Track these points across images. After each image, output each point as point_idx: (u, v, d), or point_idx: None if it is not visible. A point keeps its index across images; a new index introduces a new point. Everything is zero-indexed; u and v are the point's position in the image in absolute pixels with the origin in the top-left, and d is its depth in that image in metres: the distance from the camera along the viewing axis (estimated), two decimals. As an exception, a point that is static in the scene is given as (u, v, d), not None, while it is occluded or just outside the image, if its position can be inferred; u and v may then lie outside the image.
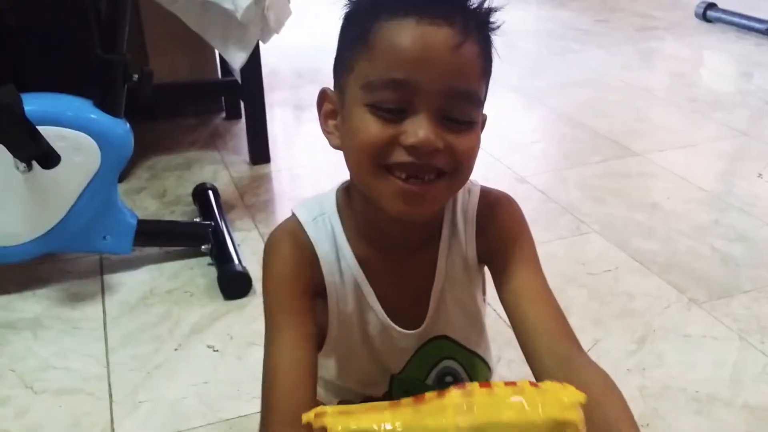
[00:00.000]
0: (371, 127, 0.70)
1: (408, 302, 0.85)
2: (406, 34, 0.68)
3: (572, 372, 0.72)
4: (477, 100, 0.72)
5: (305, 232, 0.81)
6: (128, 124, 1.55)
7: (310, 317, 0.79)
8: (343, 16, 0.77)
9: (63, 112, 1.47)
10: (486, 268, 0.89)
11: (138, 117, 1.69)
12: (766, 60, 3.08)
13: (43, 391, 1.31)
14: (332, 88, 0.78)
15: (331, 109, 0.77)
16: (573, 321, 1.41)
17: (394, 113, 0.69)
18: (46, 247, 1.53)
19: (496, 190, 0.87)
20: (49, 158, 1.42)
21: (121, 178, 1.98)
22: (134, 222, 1.59)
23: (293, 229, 0.82)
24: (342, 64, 0.75)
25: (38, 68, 2.01)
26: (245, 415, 1.23)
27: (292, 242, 0.81)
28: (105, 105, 1.51)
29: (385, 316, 0.84)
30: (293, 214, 0.83)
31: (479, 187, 0.86)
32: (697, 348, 1.40)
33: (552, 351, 0.75)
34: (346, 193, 0.83)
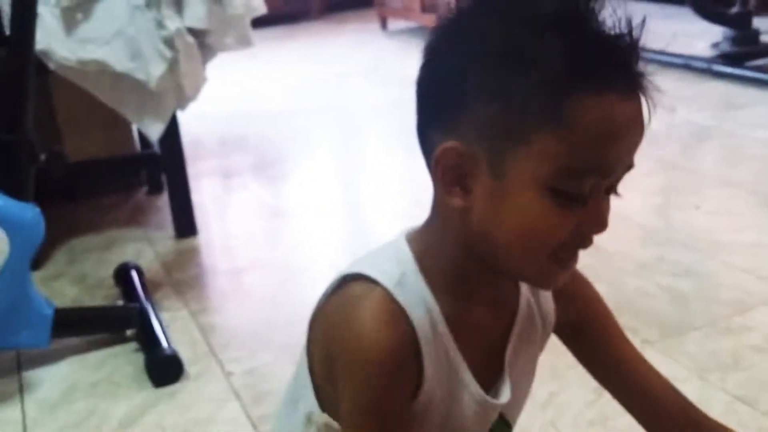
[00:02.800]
0: (553, 217, 0.62)
1: (486, 364, 0.74)
2: (612, 111, 0.60)
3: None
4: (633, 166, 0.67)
5: (394, 299, 0.66)
6: (38, 208, 1.45)
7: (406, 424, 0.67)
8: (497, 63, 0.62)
9: (-36, 199, 1.37)
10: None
11: (52, 197, 1.60)
12: (688, 94, 3.13)
13: None
14: (456, 140, 0.64)
15: (456, 164, 0.64)
16: None
17: (580, 199, 0.62)
18: (-45, 347, 1.41)
19: None
20: (-50, 251, 1.31)
21: (37, 265, 1.87)
22: (50, 312, 1.49)
23: (382, 301, 0.66)
24: (499, 126, 0.62)
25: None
26: None
27: (391, 332, 0.65)
28: (10, 189, 1.41)
29: (478, 386, 0.72)
30: (365, 278, 0.67)
31: None
32: (658, 392, 1.34)
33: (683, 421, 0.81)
34: (426, 245, 0.71)
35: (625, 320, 1.51)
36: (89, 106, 1.88)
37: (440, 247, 0.69)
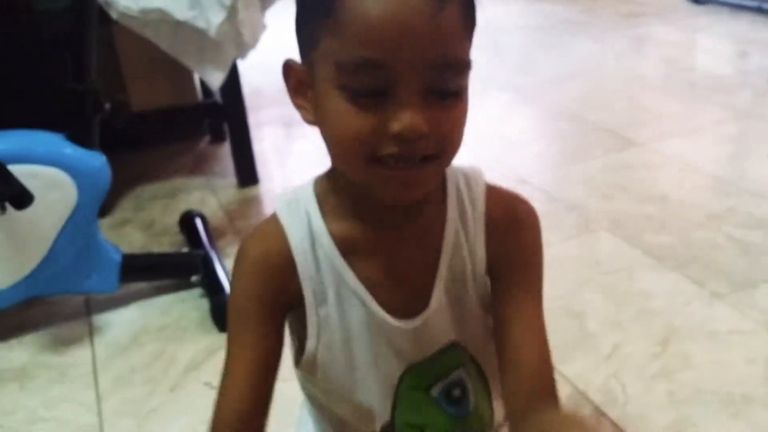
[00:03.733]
0: (351, 118, 0.62)
1: (404, 291, 0.74)
2: (376, 8, 0.59)
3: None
4: (464, 65, 0.63)
5: (278, 219, 0.73)
6: (104, 156, 1.47)
7: (273, 335, 0.73)
8: None
9: (33, 148, 1.40)
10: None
11: (118, 147, 1.62)
12: (761, 38, 3.00)
13: (33, 445, 1.23)
14: (297, 59, 0.69)
15: (298, 81, 0.69)
16: (590, 326, 1.36)
17: (374, 97, 0.61)
18: (28, 292, 1.46)
19: (508, 190, 0.78)
20: (22, 198, 1.34)
21: (104, 212, 1.91)
22: (118, 258, 1.52)
23: (267, 222, 0.74)
24: (304, 35, 0.67)
25: (4, 104, 1.94)
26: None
27: (261, 245, 0.74)
28: (77, 138, 1.44)
29: (374, 302, 0.73)
30: (271, 216, 0.75)
31: (482, 176, 0.76)
32: (726, 345, 1.31)
33: (530, 401, 0.72)
34: (328, 176, 0.74)
35: (693, 272, 1.50)
36: (152, 56, 1.88)
37: (333, 173, 0.74)
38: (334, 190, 0.73)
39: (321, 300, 0.73)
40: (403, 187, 0.65)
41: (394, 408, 0.78)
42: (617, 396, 1.21)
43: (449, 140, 0.64)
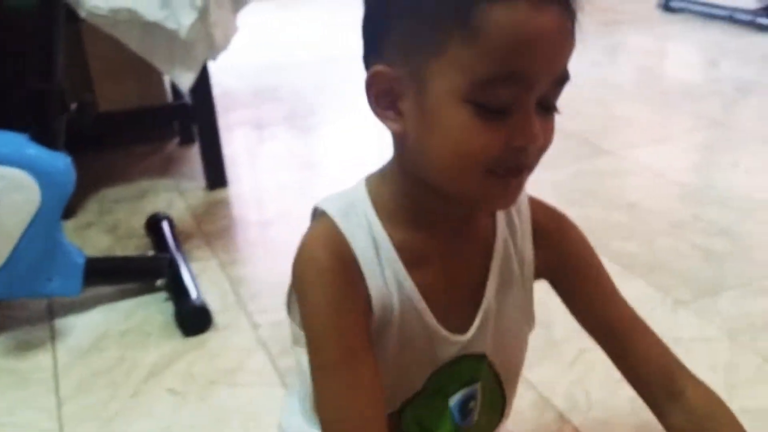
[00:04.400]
0: (477, 132, 0.61)
1: (455, 300, 0.74)
2: (522, 19, 0.58)
3: (687, 403, 0.79)
4: (569, 79, 0.65)
5: (335, 225, 0.69)
6: (69, 157, 1.45)
7: (368, 342, 0.69)
8: None
9: (-5, 148, 1.37)
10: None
11: (84, 147, 1.60)
12: (732, 46, 3.04)
13: (-10, 452, 1.21)
14: (384, 64, 0.65)
15: (389, 89, 0.65)
16: (557, 331, 1.36)
17: (502, 111, 0.61)
18: (-11, 295, 1.43)
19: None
20: (-18, 200, 1.32)
21: (69, 214, 1.88)
22: (82, 261, 1.50)
23: (325, 229, 0.70)
24: (415, 41, 0.62)
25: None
26: (208, 464, 1.14)
27: (330, 250, 0.68)
28: (42, 138, 1.42)
29: (430, 314, 0.72)
30: (319, 212, 0.72)
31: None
32: (688, 352, 1.29)
33: (666, 387, 0.79)
34: (385, 180, 0.72)
35: (657, 279, 1.51)
36: (122, 56, 1.87)
37: (395, 177, 0.71)
38: (394, 196, 0.71)
39: (387, 309, 0.71)
40: (511, 196, 0.67)
41: (406, 402, 0.77)
42: (581, 402, 1.21)
43: (545, 151, 0.66)
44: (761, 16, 3.22)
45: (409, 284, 0.71)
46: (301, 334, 0.73)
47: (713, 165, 2.09)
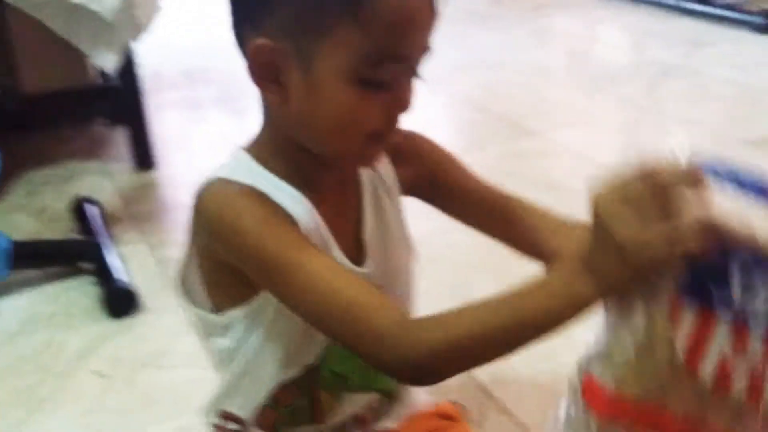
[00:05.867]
0: (363, 106, 0.67)
1: (346, 242, 0.77)
2: (404, 1, 0.64)
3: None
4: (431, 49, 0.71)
5: (245, 184, 0.70)
6: (-9, 140, 1.43)
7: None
8: None
9: None
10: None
11: (8, 130, 1.57)
12: (658, 30, 3.13)
13: None
14: (266, 39, 0.66)
15: (270, 63, 0.67)
16: None
17: (385, 85, 0.67)
18: None
19: None
20: None
21: (-6, 198, 1.85)
22: (8, 245, 1.48)
23: (228, 183, 0.71)
24: (302, 22, 0.65)
25: None
26: (136, 445, 1.15)
27: (242, 189, 0.70)
28: (-38, 121, 1.39)
29: (340, 252, 0.75)
30: (220, 181, 0.71)
31: None
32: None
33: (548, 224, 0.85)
34: (267, 146, 0.75)
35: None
36: (48, 37, 1.83)
37: (272, 145, 0.74)
38: (277, 160, 0.74)
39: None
40: (381, 154, 0.75)
41: (321, 353, 0.79)
42: (504, 376, 1.25)
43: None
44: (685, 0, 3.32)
45: (320, 222, 0.74)
46: (216, 321, 0.76)
47: (635, 146, 2.15)
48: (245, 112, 2.54)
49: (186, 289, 0.80)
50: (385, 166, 0.82)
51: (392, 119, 0.70)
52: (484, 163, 1.99)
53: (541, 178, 1.94)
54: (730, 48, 2.88)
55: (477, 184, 0.86)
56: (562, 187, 1.88)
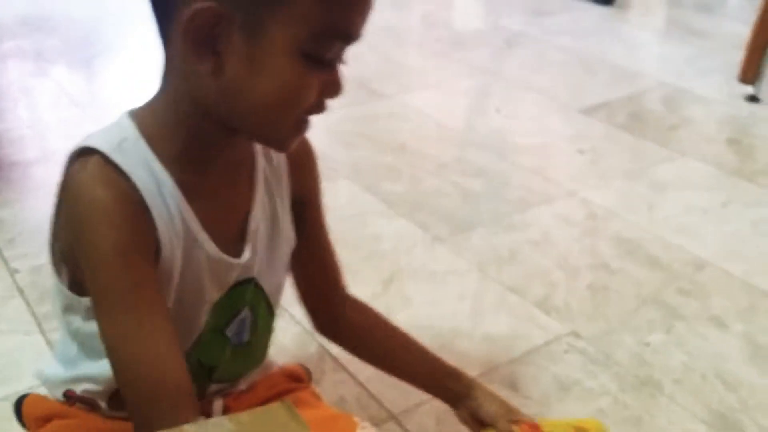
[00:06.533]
0: (306, 82, 0.65)
1: (231, 229, 0.77)
2: None
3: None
4: None
5: (114, 163, 0.66)
6: None
7: (157, 281, 0.69)
8: None
9: None
10: None
11: None
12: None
13: None
14: (209, 2, 0.62)
15: (212, 27, 0.63)
16: None
17: (328, 63, 0.66)
18: None
19: None
20: None
21: None
22: None
23: (100, 166, 0.66)
24: None
25: None
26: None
27: (110, 190, 0.66)
28: None
29: (213, 244, 0.74)
30: (87, 149, 0.67)
31: None
32: (441, 284, 1.43)
33: (330, 298, 0.95)
34: (157, 117, 0.71)
35: (420, 218, 1.61)
36: None
37: (170, 113, 0.70)
38: (169, 131, 0.70)
39: (173, 242, 0.70)
40: (302, 138, 0.73)
41: (193, 345, 0.78)
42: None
43: None
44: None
45: (190, 216, 0.72)
46: (76, 300, 0.73)
47: (477, 110, 2.23)
48: (87, 64, 2.42)
49: (54, 260, 0.75)
50: (281, 169, 0.81)
51: (323, 102, 0.68)
52: (331, 123, 2.03)
53: (388, 139, 1.98)
54: (570, 16, 3.03)
55: (324, 227, 0.91)
56: (409, 149, 1.93)
